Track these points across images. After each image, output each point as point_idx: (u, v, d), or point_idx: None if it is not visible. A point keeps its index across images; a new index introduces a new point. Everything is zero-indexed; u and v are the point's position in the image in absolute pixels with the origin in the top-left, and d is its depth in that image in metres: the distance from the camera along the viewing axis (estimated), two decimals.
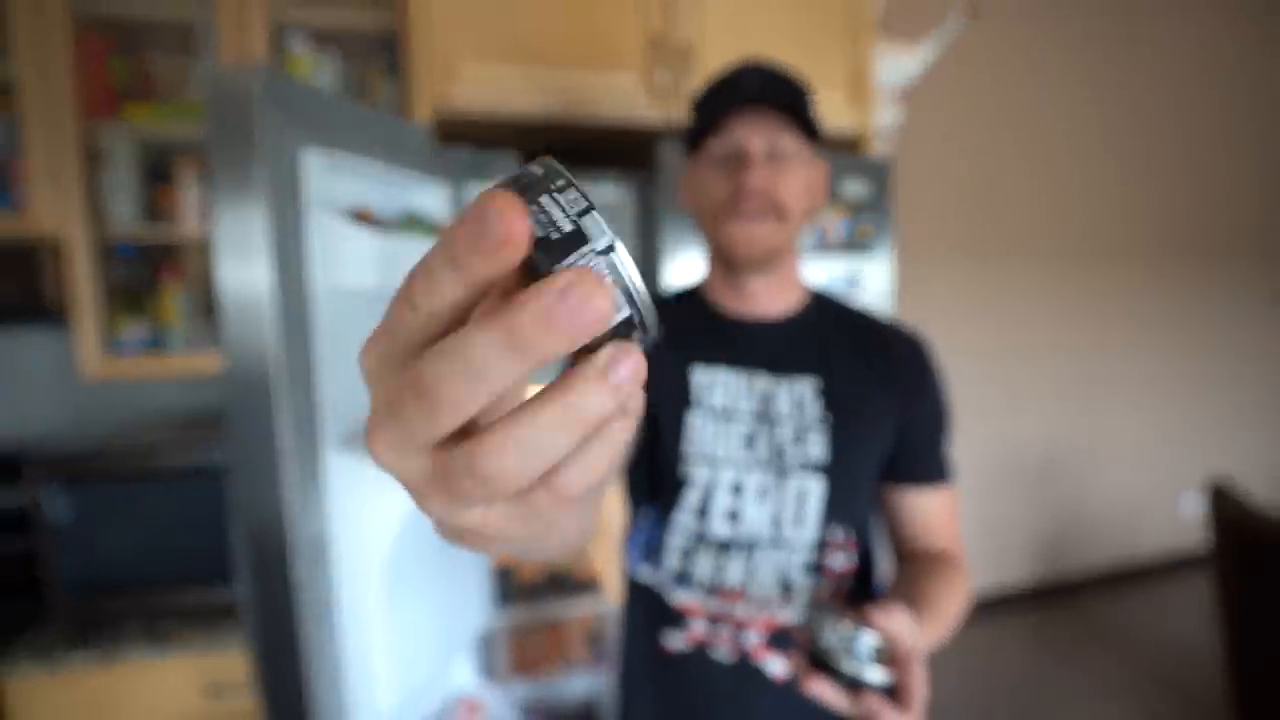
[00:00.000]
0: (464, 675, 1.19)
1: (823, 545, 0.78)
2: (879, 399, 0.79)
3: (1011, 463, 3.13)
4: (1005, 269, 2.98)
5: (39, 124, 1.36)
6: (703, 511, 0.77)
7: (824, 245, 1.39)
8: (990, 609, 3.10)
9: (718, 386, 0.79)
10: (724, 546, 0.76)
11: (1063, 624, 2.96)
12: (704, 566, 0.77)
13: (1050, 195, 3.04)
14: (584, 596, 1.48)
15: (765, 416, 0.77)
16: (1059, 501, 3.26)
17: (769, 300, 0.81)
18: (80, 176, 1.40)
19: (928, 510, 0.81)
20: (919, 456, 0.81)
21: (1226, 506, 1.58)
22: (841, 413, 0.78)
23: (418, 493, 0.23)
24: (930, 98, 2.57)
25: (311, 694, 0.84)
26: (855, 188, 1.39)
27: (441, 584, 1.03)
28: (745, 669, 0.76)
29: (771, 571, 0.76)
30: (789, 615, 0.76)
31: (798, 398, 0.78)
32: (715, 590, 0.76)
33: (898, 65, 1.73)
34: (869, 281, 1.42)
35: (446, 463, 0.21)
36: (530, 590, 1.47)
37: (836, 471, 0.77)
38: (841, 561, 0.79)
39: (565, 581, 1.46)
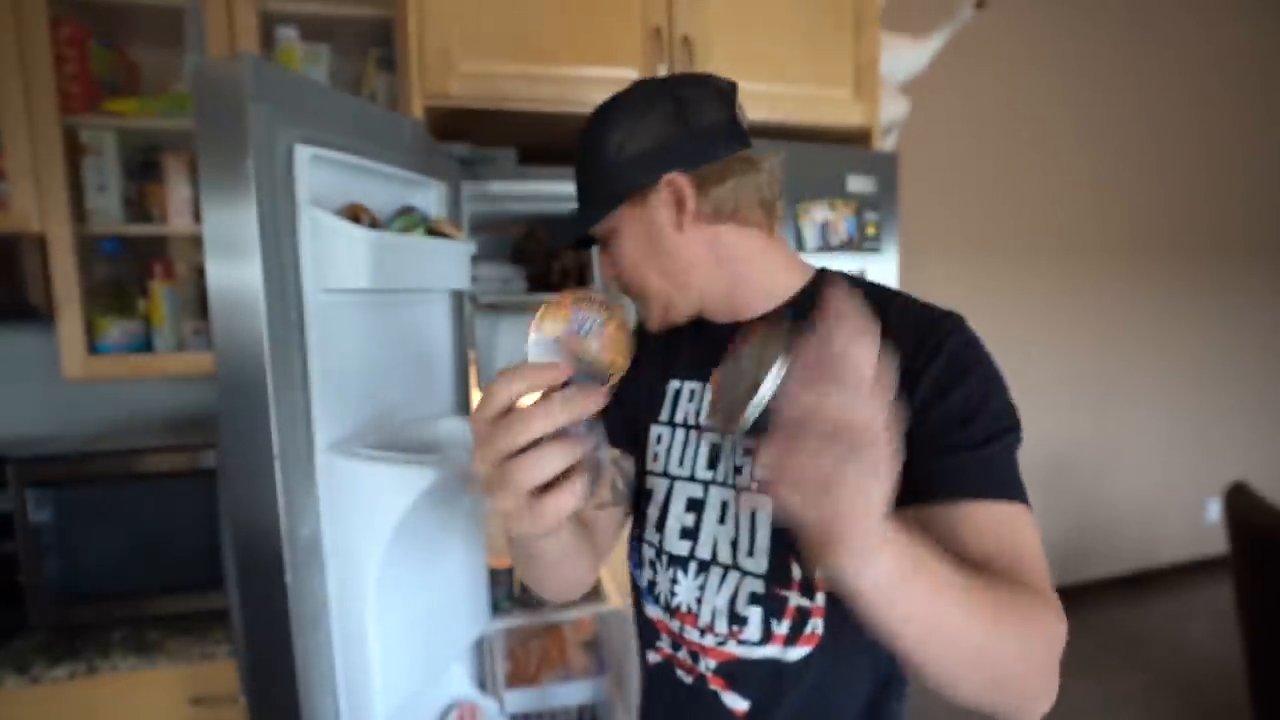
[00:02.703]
0: (460, 683, 1.17)
1: (774, 579, 0.65)
2: None
3: (1021, 464, 3.12)
4: (1013, 265, 2.96)
5: (17, 117, 1.33)
6: (660, 525, 0.73)
7: (828, 243, 1.37)
8: None
9: (683, 398, 0.74)
10: (681, 564, 0.71)
11: (1077, 631, 2.94)
12: (663, 583, 0.72)
13: (1060, 189, 3.02)
14: (582, 603, 1.46)
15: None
16: (1072, 505, 3.22)
17: (741, 307, 0.71)
18: (62, 171, 1.36)
19: (964, 536, 0.55)
20: (936, 465, 0.58)
21: (1244, 508, 1.57)
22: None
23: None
24: (936, 90, 2.55)
25: (303, 704, 0.82)
26: (861, 183, 1.37)
27: (437, 589, 1.01)
28: (704, 693, 0.71)
29: (725, 598, 0.67)
30: (739, 649, 0.67)
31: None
32: (671, 610, 0.72)
33: (903, 58, 1.71)
34: (875, 279, 1.41)
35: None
36: (527, 596, 1.45)
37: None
38: (794, 607, 0.64)
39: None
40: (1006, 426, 0.60)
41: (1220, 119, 3.27)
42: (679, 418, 0.74)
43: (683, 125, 0.66)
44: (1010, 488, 0.59)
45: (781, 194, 0.72)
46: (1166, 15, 3.09)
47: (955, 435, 0.59)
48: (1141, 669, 2.62)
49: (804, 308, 0.69)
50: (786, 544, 0.64)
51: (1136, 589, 3.30)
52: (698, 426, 0.72)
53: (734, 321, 0.72)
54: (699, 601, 0.69)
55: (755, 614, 0.66)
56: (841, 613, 0.62)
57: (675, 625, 0.71)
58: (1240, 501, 1.60)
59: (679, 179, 0.66)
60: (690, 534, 0.70)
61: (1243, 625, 1.68)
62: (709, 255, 0.69)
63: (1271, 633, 1.58)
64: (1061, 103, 2.95)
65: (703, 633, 0.69)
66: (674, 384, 0.75)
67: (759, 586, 0.66)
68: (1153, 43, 3.08)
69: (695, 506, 0.71)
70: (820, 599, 0.63)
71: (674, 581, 0.71)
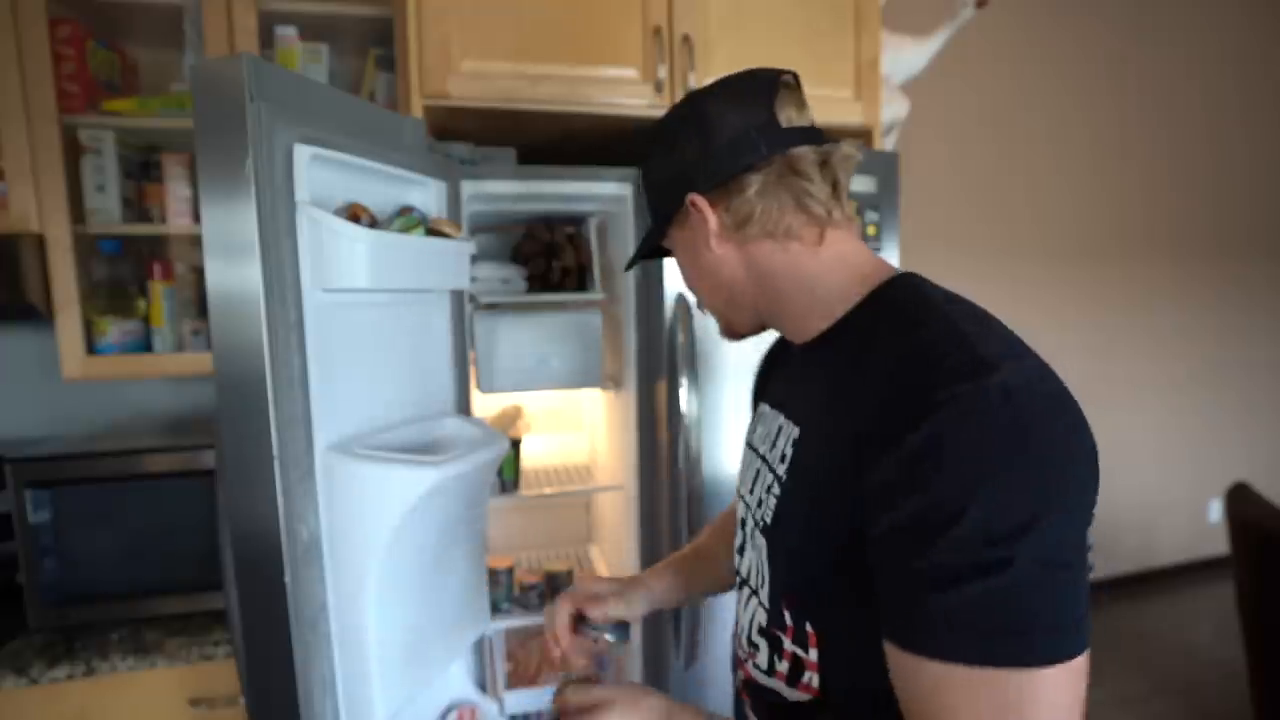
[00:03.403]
0: (459, 683, 1.17)
1: (772, 618, 0.64)
2: (837, 474, 0.54)
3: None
4: (1014, 265, 2.96)
5: (16, 116, 1.32)
6: (738, 545, 0.77)
7: None
8: None
9: (758, 423, 0.76)
10: (740, 582, 0.75)
11: None
12: (733, 594, 0.78)
13: (1062, 190, 3.01)
14: None
15: (767, 460, 0.69)
16: None
17: (802, 325, 0.68)
18: (61, 171, 1.36)
19: (900, 682, 0.50)
20: (882, 588, 0.50)
21: (1246, 508, 1.57)
22: (794, 476, 0.62)
23: None
24: (937, 90, 2.54)
25: (303, 705, 0.82)
26: (862, 182, 1.37)
27: (436, 590, 1.01)
28: (740, 701, 0.75)
29: (746, 620, 0.70)
30: (754, 673, 0.68)
31: (783, 445, 0.65)
32: (736, 620, 0.77)
33: (904, 57, 1.71)
34: None
35: None
36: (527, 597, 1.44)
37: (775, 537, 0.64)
38: (790, 652, 0.63)
39: (565, 587, 1.44)
40: (993, 559, 0.44)
41: (1221, 118, 3.27)
42: (754, 439, 0.75)
43: (704, 142, 0.64)
44: (963, 638, 0.45)
45: (844, 190, 0.66)
46: (1167, 15, 3.08)
47: (904, 556, 0.48)
48: (1143, 670, 2.62)
49: (841, 338, 0.63)
50: (780, 588, 0.63)
51: (1138, 589, 3.30)
52: (752, 447, 0.75)
53: (805, 342, 0.67)
54: (737, 617, 0.74)
55: (763, 645, 0.67)
56: (840, 676, 0.59)
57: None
58: (1242, 502, 1.60)
59: (697, 199, 0.65)
60: (741, 550, 0.74)
61: (1244, 626, 1.67)
62: (746, 273, 0.67)
63: (1274, 633, 1.58)
64: (1063, 103, 2.95)
65: (737, 646, 0.74)
66: (762, 406, 0.77)
67: (764, 620, 0.66)
68: (1154, 42, 3.07)
69: (743, 525, 0.74)
70: (814, 655, 0.61)
71: (736, 595, 0.76)
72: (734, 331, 0.75)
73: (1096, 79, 3.00)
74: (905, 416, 0.48)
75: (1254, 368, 3.51)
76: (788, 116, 0.64)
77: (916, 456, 0.47)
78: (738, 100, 0.64)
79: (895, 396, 0.51)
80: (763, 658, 0.66)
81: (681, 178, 0.66)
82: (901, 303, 0.60)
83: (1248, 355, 3.49)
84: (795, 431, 0.64)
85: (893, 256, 1.42)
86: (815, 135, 0.65)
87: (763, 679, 0.67)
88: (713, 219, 0.65)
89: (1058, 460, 0.46)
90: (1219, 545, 3.42)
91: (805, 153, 0.63)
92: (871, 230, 1.39)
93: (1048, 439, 0.46)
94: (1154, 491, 3.37)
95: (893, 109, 1.68)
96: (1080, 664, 0.45)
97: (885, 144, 1.69)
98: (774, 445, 0.67)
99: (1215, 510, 3.49)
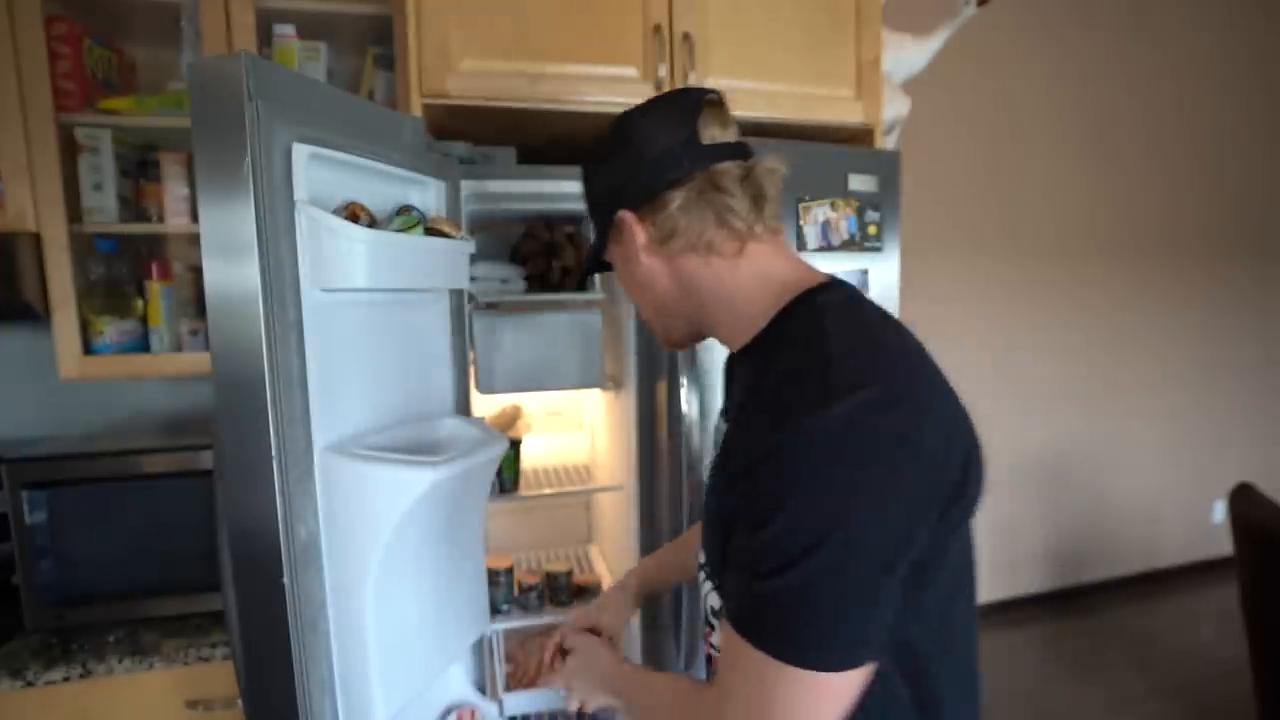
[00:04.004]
0: (459, 685, 1.16)
1: (714, 611, 0.74)
2: (728, 474, 0.62)
3: (1023, 465, 3.10)
4: (1015, 266, 2.96)
5: (12, 115, 1.32)
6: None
7: (829, 242, 1.36)
8: (1003, 615, 3.07)
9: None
10: (700, 565, 0.80)
11: (1081, 634, 2.93)
12: None
13: (1064, 190, 3.01)
14: (583, 603, 1.46)
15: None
16: (1076, 506, 3.22)
17: (730, 337, 0.72)
18: (58, 170, 1.35)
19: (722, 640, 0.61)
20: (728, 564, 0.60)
21: (1250, 509, 1.57)
22: (714, 472, 0.69)
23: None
24: (938, 89, 2.54)
25: (302, 707, 0.82)
26: (862, 182, 1.36)
27: (436, 591, 1.01)
28: (710, 675, 0.81)
29: (704, 601, 0.78)
30: (712, 650, 0.78)
31: (719, 442, 0.72)
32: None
33: (905, 56, 1.71)
34: (876, 280, 1.40)
35: None
36: (526, 597, 1.44)
37: (705, 534, 0.71)
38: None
39: (565, 588, 1.43)
40: (777, 565, 0.53)
41: (1223, 119, 3.27)
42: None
43: (631, 160, 0.68)
44: (750, 618, 0.56)
45: (769, 203, 0.68)
46: (1168, 15, 3.09)
47: (737, 540, 0.58)
48: (1146, 671, 2.62)
49: (756, 352, 0.67)
50: (715, 572, 0.69)
51: (1141, 590, 3.30)
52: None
53: (736, 351, 0.71)
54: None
55: (716, 624, 0.74)
56: None
57: None
58: (1246, 502, 1.60)
59: (625, 215, 0.69)
60: (703, 536, 0.76)
61: (1248, 627, 1.67)
62: (675, 285, 0.71)
63: (1277, 634, 1.58)
64: (1065, 102, 2.95)
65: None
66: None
67: (715, 602, 0.73)
68: (1155, 43, 3.08)
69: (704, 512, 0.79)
70: None
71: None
72: (671, 340, 0.78)
73: (1098, 79, 3.00)
74: (768, 431, 0.55)
75: (1257, 367, 3.52)
76: (711, 134, 0.67)
77: (761, 465, 0.55)
78: (663, 119, 0.68)
79: (769, 413, 0.57)
80: (716, 635, 0.74)
81: (613, 194, 0.70)
82: (799, 321, 0.64)
83: (1250, 355, 3.49)
84: (724, 430, 0.72)
85: (894, 254, 1.42)
86: (740, 150, 0.68)
87: (717, 655, 0.74)
88: (640, 234, 0.69)
89: (859, 491, 0.51)
90: (1223, 546, 3.42)
91: (728, 168, 0.66)
92: (873, 230, 1.39)
93: (855, 472, 0.52)
94: (1157, 492, 3.37)
95: (894, 108, 1.68)
96: (828, 681, 0.53)
97: (886, 143, 1.69)
98: (717, 442, 0.76)
99: (1219, 511, 3.49)
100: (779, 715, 0.54)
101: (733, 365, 0.82)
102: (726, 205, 0.66)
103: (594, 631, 0.98)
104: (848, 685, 0.54)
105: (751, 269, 0.68)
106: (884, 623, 0.55)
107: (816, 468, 0.52)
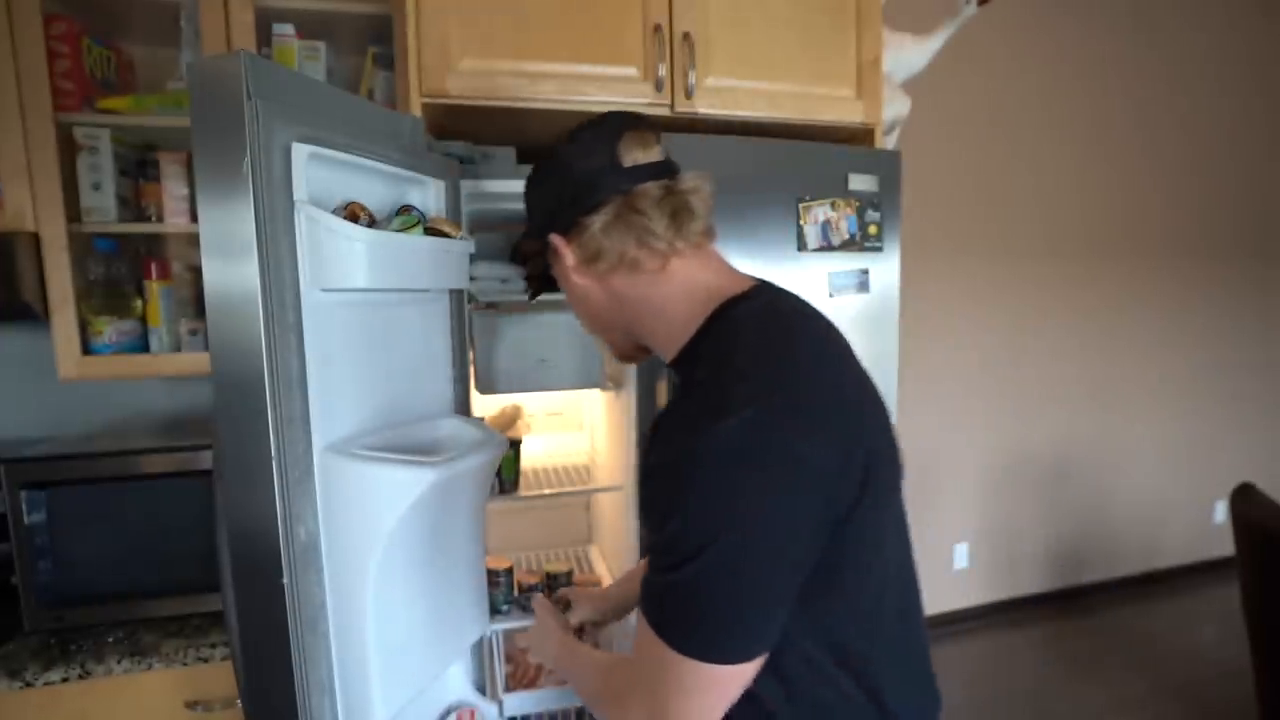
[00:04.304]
0: (459, 686, 1.16)
1: None
2: (642, 475, 0.68)
3: (1024, 465, 3.10)
4: (1016, 266, 2.96)
5: (11, 114, 1.31)
6: None
7: (829, 242, 1.36)
8: (1003, 615, 3.07)
9: None
10: None
11: (1080, 634, 2.93)
12: None
13: (1065, 190, 3.01)
14: None
15: None
16: (1077, 506, 3.22)
17: (663, 350, 0.75)
18: (57, 170, 1.35)
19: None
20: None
21: (1251, 509, 1.56)
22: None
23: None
24: (939, 89, 2.54)
25: (301, 708, 0.81)
26: (863, 181, 1.36)
27: (436, 591, 1.00)
28: None
29: None
30: None
31: None
32: None
33: (905, 56, 1.70)
34: (876, 279, 1.40)
35: None
36: (526, 598, 1.43)
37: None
38: None
39: (564, 588, 1.43)
40: (671, 563, 0.59)
41: (1221, 119, 3.27)
42: None
43: (559, 187, 0.73)
44: (654, 608, 0.62)
45: (692, 219, 0.71)
46: (1166, 16, 3.08)
47: (648, 543, 0.63)
48: (1147, 672, 2.61)
49: (685, 363, 0.70)
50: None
51: (1142, 591, 3.30)
52: None
53: (670, 362, 0.74)
54: None
55: None
56: None
57: None
58: (1247, 503, 1.59)
59: (554, 239, 0.75)
60: None
61: (1249, 627, 1.67)
62: (610, 301, 0.75)
63: (1278, 634, 1.58)
64: (1062, 103, 2.95)
65: None
66: None
67: None
68: (1153, 44, 3.08)
69: None
70: None
71: None
72: (618, 354, 0.84)
73: (1099, 79, 3.00)
74: (674, 440, 0.61)
75: (1259, 367, 3.52)
76: (633, 157, 0.71)
77: (664, 470, 0.61)
78: (586, 146, 0.73)
79: (677, 424, 0.62)
80: None
81: (545, 219, 0.76)
82: (714, 335, 0.68)
83: (1252, 355, 3.49)
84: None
85: (894, 254, 1.41)
86: (662, 169, 0.72)
87: None
88: (569, 255, 0.74)
89: (749, 496, 0.56)
90: (1224, 547, 3.42)
91: (647, 189, 0.70)
92: (873, 230, 1.39)
93: (745, 480, 0.56)
94: (1159, 492, 3.37)
95: (894, 107, 1.68)
96: (718, 672, 0.59)
97: (887, 142, 1.69)
98: None
99: (1220, 511, 3.49)
100: (672, 697, 0.60)
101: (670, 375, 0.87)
102: (645, 226, 0.69)
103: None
104: (737, 676, 0.60)
105: (677, 283, 0.71)
106: (777, 621, 0.60)
107: (709, 474, 0.57)
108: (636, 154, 0.72)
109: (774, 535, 0.57)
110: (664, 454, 0.61)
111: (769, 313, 0.68)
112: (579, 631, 1.11)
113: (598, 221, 0.70)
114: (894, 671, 0.68)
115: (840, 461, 0.59)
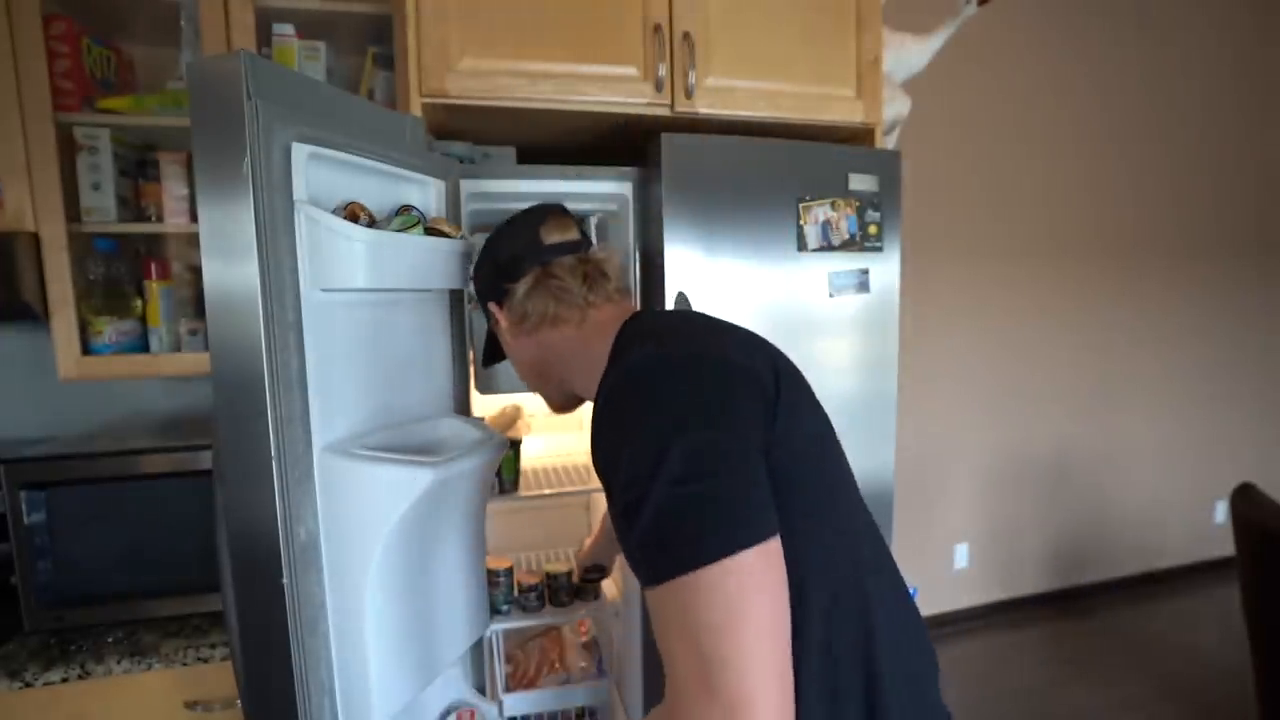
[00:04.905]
0: (459, 686, 1.16)
1: None
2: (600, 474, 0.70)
3: (1024, 465, 3.10)
4: (1016, 266, 2.95)
5: (10, 114, 1.31)
6: None
7: (829, 242, 1.36)
8: (1003, 615, 3.06)
9: None
10: None
11: (1080, 634, 2.92)
12: None
13: (1065, 191, 3.00)
14: (583, 604, 1.45)
15: None
16: (1078, 507, 3.21)
17: (589, 395, 0.84)
18: (57, 170, 1.35)
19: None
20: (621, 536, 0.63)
21: (1251, 509, 1.56)
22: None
23: None
24: (939, 89, 2.53)
25: (301, 708, 0.81)
26: (863, 181, 1.36)
27: (435, 591, 1.00)
28: None
29: None
30: None
31: None
32: None
33: (906, 55, 1.70)
34: (876, 279, 1.40)
35: None
36: (526, 598, 1.44)
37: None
38: None
39: (565, 588, 1.43)
40: (637, 498, 0.57)
41: (1224, 119, 3.27)
42: None
43: (492, 264, 0.89)
44: (647, 565, 0.57)
45: (605, 280, 0.84)
46: (1169, 15, 3.08)
47: (617, 500, 0.62)
48: (1146, 672, 2.61)
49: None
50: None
51: (1142, 591, 3.29)
52: None
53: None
54: None
55: None
56: None
57: None
58: (1247, 503, 1.59)
59: (491, 306, 0.90)
60: None
61: (1249, 627, 1.67)
62: (542, 354, 0.87)
63: (1278, 635, 1.58)
64: (1067, 102, 2.95)
65: None
66: None
67: None
68: (1155, 43, 3.07)
69: None
70: None
71: None
72: (554, 406, 0.96)
73: (1100, 79, 3.00)
74: (601, 401, 0.67)
75: (1259, 368, 3.51)
76: (552, 237, 0.86)
77: (596, 428, 0.66)
78: (514, 230, 0.88)
79: (602, 390, 0.68)
80: None
81: (485, 291, 0.91)
82: (620, 345, 0.77)
83: (1252, 355, 3.49)
84: None
85: (895, 254, 1.41)
86: (576, 246, 0.86)
87: None
88: (503, 319, 0.89)
89: (674, 406, 0.60)
90: (1224, 547, 3.42)
91: (563, 260, 0.85)
92: (873, 229, 1.38)
93: (668, 391, 0.61)
94: (1159, 492, 3.37)
95: (894, 107, 1.68)
96: (742, 558, 0.53)
97: (887, 142, 1.69)
98: None
99: (1220, 512, 3.49)
100: (719, 620, 0.52)
101: None
102: (561, 286, 0.83)
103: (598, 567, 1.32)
104: (769, 553, 0.56)
105: (592, 328, 0.83)
106: (764, 489, 0.58)
107: (631, 402, 0.63)
108: (554, 235, 0.86)
109: (722, 424, 0.59)
110: (596, 423, 0.66)
111: (664, 312, 0.81)
112: (592, 573, 1.33)
113: (522, 288, 0.84)
114: (846, 615, 0.64)
115: (751, 364, 0.65)
